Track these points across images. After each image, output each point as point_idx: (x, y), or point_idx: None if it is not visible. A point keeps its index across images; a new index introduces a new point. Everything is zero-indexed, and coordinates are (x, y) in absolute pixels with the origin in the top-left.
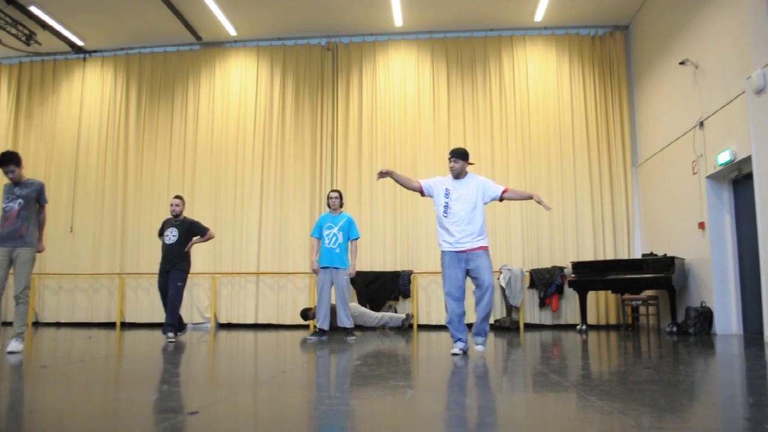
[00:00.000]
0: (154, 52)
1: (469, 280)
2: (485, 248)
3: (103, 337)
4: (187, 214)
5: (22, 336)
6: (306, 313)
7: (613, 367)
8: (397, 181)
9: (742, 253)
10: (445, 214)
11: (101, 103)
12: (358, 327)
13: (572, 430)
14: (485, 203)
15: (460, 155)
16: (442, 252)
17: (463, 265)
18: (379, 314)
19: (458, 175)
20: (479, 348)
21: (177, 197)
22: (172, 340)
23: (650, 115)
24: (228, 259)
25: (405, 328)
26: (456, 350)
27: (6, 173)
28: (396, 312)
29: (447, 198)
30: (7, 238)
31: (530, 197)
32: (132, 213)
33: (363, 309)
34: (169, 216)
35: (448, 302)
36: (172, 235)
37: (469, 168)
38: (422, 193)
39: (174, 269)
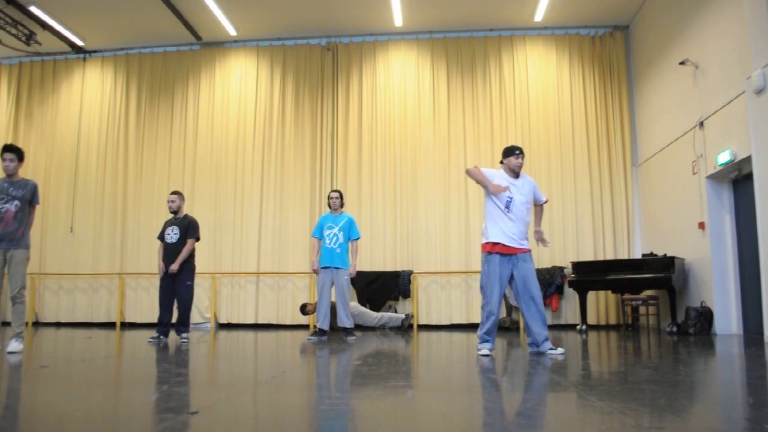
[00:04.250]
0: (154, 52)
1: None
2: (530, 251)
3: (103, 337)
4: (188, 213)
5: (22, 336)
6: (304, 308)
7: (613, 367)
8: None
9: (742, 253)
10: (507, 209)
11: (101, 103)
12: (358, 327)
13: (572, 430)
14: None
15: (523, 152)
16: (489, 252)
17: (510, 268)
18: (379, 314)
19: (519, 172)
20: (558, 351)
21: (173, 193)
22: (186, 340)
23: (650, 115)
24: (228, 259)
25: (405, 328)
26: (486, 351)
27: (3, 159)
28: (396, 312)
29: (510, 193)
30: (1, 240)
31: (537, 227)
32: (132, 213)
33: (362, 309)
34: (169, 216)
35: (494, 304)
36: (173, 233)
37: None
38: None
39: (182, 270)
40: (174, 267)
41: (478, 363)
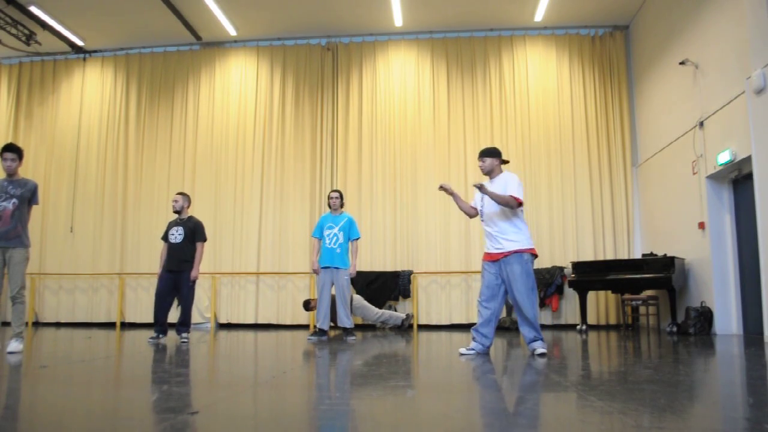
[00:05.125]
0: (154, 52)
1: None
2: (518, 252)
3: (103, 337)
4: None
5: (21, 336)
6: (308, 303)
7: (613, 367)
8: (459, 206)
9: (742, 253)
10: (482, 219)
11: (101, 103)
12: (358, 327)
13: (572, 430)
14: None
15: (486, 153)
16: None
17: (496, 270)
18: (380, 311)
19: (489, 173)
20: (537, 351)
21: (178, 193)
22: (186, 340)
23: (650, 115)
24: (228, 259)
25: (405, 328)
26: (464, 350)
27: (4, 159)
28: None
29: (482, 202)
30: (0, 238)
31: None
32: (132, 213)
33: (365, 303)
34: (172, 217)
35: (481, 303)
36: (177, 233)
37: (506, 167)
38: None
39: (185, 270)
40: (194, 273)
41: (476, 362)
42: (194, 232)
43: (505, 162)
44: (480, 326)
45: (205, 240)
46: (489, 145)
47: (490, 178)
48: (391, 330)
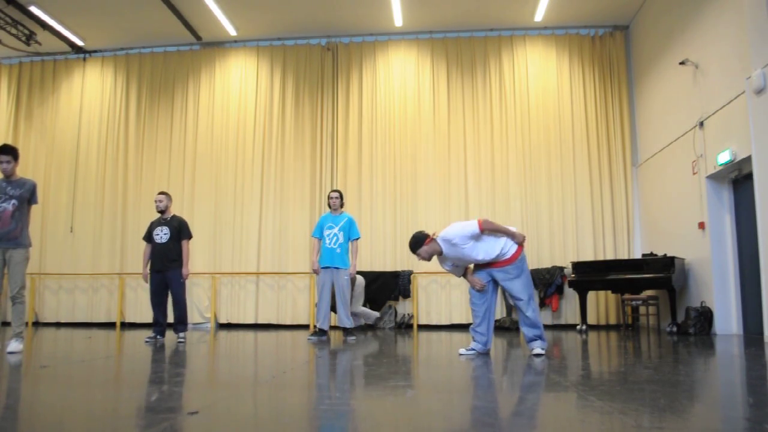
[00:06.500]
0: (154, 52)
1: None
2: (509, 262)
3: (103, 337)
4: (187, 214)
5: (21, 336)
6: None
7: (613, 367)
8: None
9: (742, 253)
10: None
11: (101, 103)
12: (359, 327)
13: (572, 430)
14: (475, 238)
15: (415, 246)
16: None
17: (489, 277)
18: (363, 308)
19: (438, 254)
20: (533, 351)
21: (160, 193)
22: (183, 339)
23: (650, 115)
24: (228, 259)
25: (405, 327)
26: (463, 350)
27: (0, 162)
28: (396, 312)
29: (451, 265)
30: (0, 239)
31: (512, 234)
32: (132, 213)
33: (361, 294)
34: (156, 216)
35: (470, 304)
36: (163, 233)
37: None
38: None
39: (173, 269)
40: (186, 271)
41: (476, 362)
42: (180, 230)
43: (432, 238)
44: (477, 326)
45: (190, 237)
46: (481, 145)
47: (443, 254)
48: (390, 330)
